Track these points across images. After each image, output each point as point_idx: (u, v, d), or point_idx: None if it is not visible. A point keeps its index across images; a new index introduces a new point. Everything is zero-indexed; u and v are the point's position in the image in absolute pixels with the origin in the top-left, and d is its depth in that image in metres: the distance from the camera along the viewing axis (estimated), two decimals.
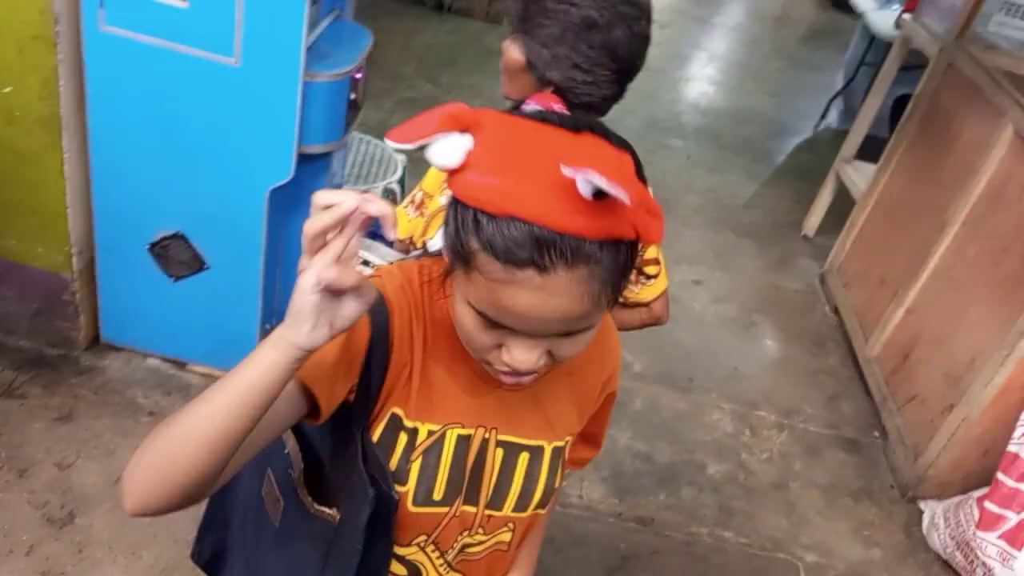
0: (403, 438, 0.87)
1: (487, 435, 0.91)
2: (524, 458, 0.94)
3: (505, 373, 0.81)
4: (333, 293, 0.68)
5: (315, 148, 2.15)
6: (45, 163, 2.12)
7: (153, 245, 2.29)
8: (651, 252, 1.40)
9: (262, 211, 2.19)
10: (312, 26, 2.06)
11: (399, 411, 0.86)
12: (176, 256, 2.30)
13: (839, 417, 3.06)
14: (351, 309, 0.70)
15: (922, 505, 2.67)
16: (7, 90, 2.02)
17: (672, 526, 2.45)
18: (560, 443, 0.97)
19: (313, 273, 0.66)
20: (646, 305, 1.44)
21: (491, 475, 0.92)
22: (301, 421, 0.80)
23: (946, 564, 2.51)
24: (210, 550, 1.08)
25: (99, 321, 2.44)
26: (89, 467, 2.14)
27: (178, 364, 2.47)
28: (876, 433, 2.99)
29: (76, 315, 2.37)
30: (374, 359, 0.82)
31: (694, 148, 4.82)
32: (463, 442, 0.89)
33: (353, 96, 2.18)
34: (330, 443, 0.89)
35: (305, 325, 0.67)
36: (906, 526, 2.65)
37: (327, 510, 0.89)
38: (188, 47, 1.97)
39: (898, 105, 4.18)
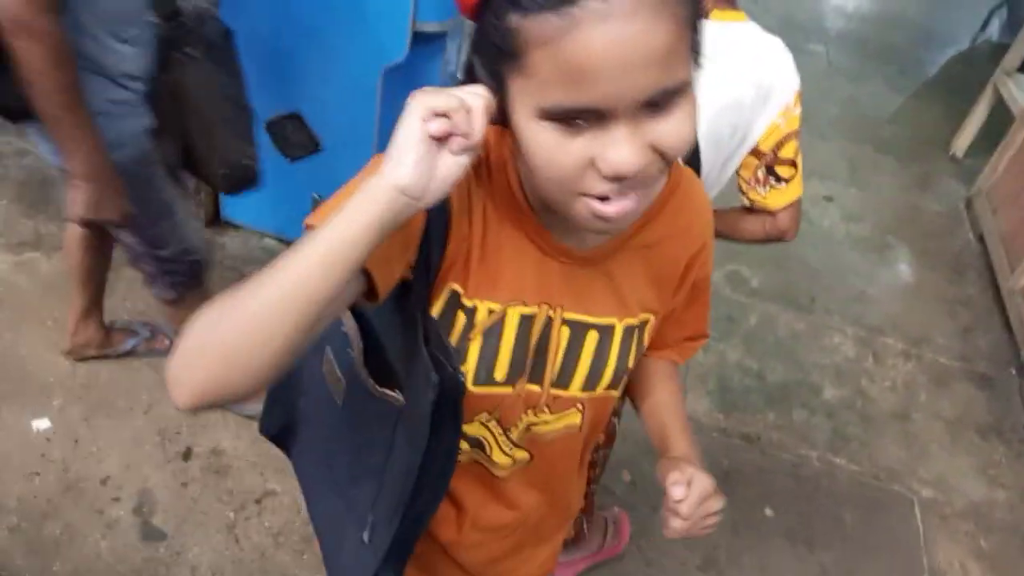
0: (461, 317, 0.80)
1: (552, 313, 0.82)
2: (593, 336, 0.85)
3: (606, 200, 0.67)
4: (440, 140, 0.61)
5: (430, 26, 2.06)
6: None
7: (271, 125, 2.28)
8: (787, 151, 1.27)
9: (376, 93, 2.14)
10: None
11: (458, 288, 0.79)
12: (292, 137, 2.30)
13: (973, 350, 2.84)
14: (454, 164, 0.62)
15: None
16: None
17: (780, 446, 2.35)
18: (634, 321, 0.87)
19: (426, 104, 0.60)
20: (772, 214, 1.31)
21: (556, 354, 0.84)
22: (357, 303, 0.72)
23: None
24: (278, 423, 1.05)
25: (218, 199, 2.49)
26: None
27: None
28: (1012, 370, 2.76)
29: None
30: (433, 233, 0.74)
31: (836, 54, 4.47)
32: (526, 321, 0.81)
33: None
34: (390, 323, 0.81)
35: (410, 159, 0.60)
36: None
37: (391, 392, 0.83)
38: None
39: None
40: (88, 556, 1.76)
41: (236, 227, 2.52)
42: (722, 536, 2.08)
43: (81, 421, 1.97)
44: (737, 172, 1.30)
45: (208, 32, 1.53)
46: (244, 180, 1.60)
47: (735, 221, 1.36)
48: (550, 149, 0.64)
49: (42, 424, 1.95)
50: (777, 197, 1.29)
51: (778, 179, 1.28)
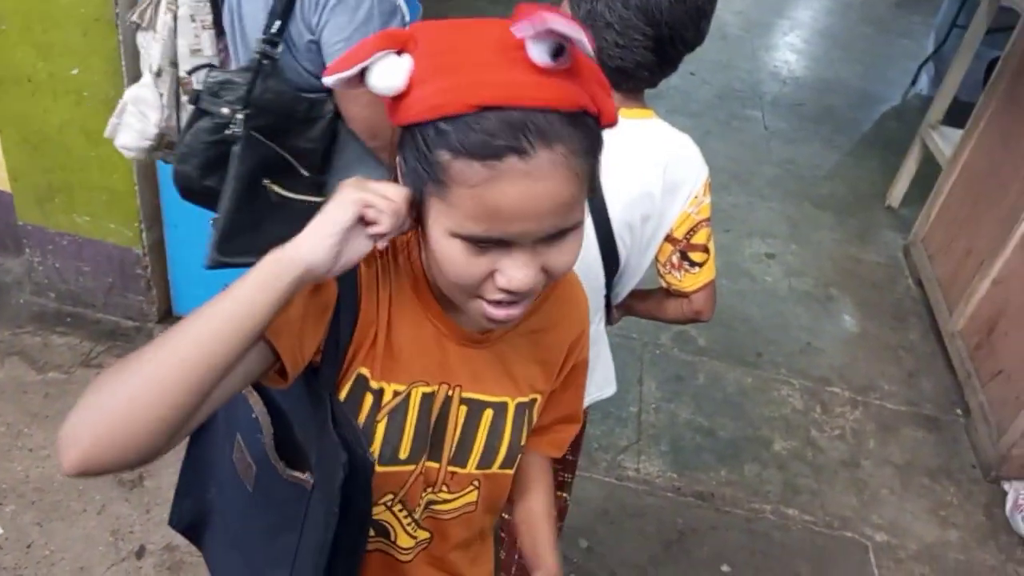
0: (369, 399, 0.84)
1: (451, 392, 0.89)
2: (488, 415, 0.92)
3: (497, 305, 0.76)
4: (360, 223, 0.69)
5: None
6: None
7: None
8: (700, 237, 1.33)
9: None
10: None
11: (365, 371, 0.84)
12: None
13: (918, 394, 2.91)
14: (362, 247, 0.71)
15: (1005, 486, 2.52)
16: (75, 72, 2.11)
17: (733, 502, 2.39)
18: (524, 399, 0.94)
19: (363, 192, 0.69)
20: (687, 296, 1.37)
21: (455, 431, 0.90)
22: (266, 382, 0.77)
23: None
24: (188, 516, 1.07)
25: (171, 294, 2.54)
26: None
27: None
28: (958, 411, 2.84)
29: (148, 289, 2.47)
30: (342, 317, 0.80)
31: (772, 119, 4.66)
32: (427, 400, 0.87)
33: None
34: (297, 404, 0.85)
35: (327, 244, 0.68)
36: (987, 507, 2.51)
37: (300, 475, 0.86)
38: None
39: (991, 69, 3.94)
40: None
41: None
42: None
43: (33, 525, 1.98)
44: (655, 258, 1.37)
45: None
46: None
47: (657, 303, 1.45)
48: (458, 262, 0.73)
49: None
50: (691, 280, 1.35)
51: (692, 264, 1.34)
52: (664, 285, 1.39)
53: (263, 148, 1.50)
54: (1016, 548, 2.39)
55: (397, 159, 0.76)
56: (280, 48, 1.48)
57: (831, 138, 4.58)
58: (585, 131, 0.70)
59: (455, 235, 0.72)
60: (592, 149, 0.72)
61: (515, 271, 0.73)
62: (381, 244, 0.73)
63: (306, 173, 1.55)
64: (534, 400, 0.96)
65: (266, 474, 0.90)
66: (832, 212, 3.88)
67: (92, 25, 2.04)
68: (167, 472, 2.14)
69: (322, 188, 1.57)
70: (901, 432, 2.75)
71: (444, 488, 0.92)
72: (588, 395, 1.49)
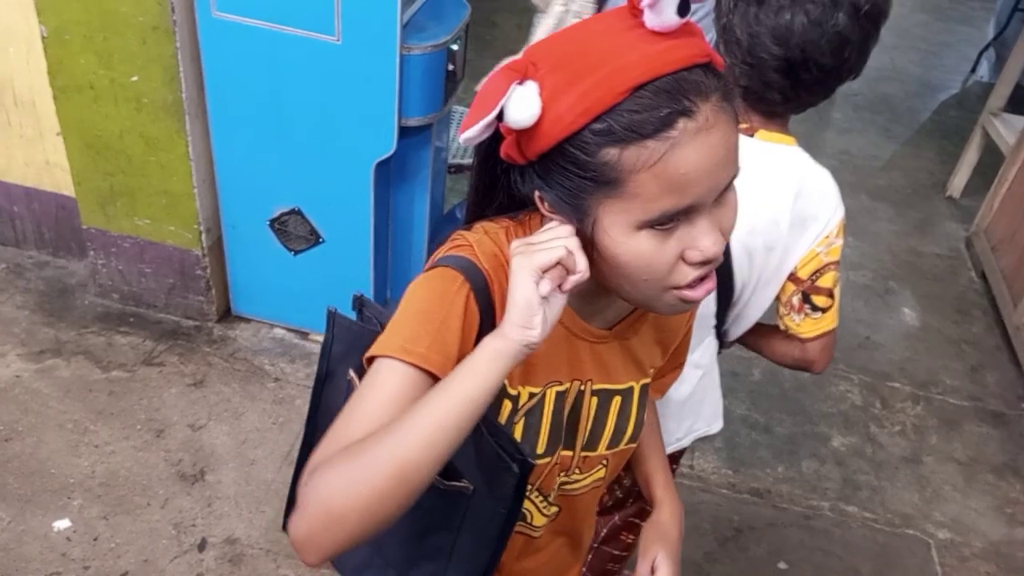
0: (508, 405, 0.87)
1: (583, 387, 0.92)
2: (616, 401, 0.95)
3: (692, 286, 0.75)
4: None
5: (415, 121, 2.19)
6: (172, 147, 2.27)
7: (273, 221, 2.41)
8: (826, 281, 1.26)
9: (369, 185, 2.26)
10: (410, 0, 2.10)
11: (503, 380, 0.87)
12: (295, 231, 2.42)
13: (982, 388, 2.83)
14: (560, 302, 0.73)
15: None
16: (134, 79, 2.17)
17: (790, 499, 2.35)
18: (647, 380, 0.99)
19: (533, 265, 0.70)
20: (803, 342, 1.29)
21: (587, 421, 0.94)
22: None
23: None
24: None
25: (229, 294, 2.60)
26: (219, 429, 2.29)
27: (301, 334, 2.60)
28: (1023, 405, 2.76)
29: (208, 289, 2.53)
30: (484, 333, 0.79)
31: (825, 109, 4.56)
32: (560, 397, 0.90)
33: (451, 67, 2.20)
34: None
35: (537, 320, 0.70)
36: None
37: (458, 483, 0.87)
38: (293, 28, 2.05)
39: None
40: None
41: (247, 320, 2.62)
42: None
43: (100, 519, 2.04)
44: (776, 297, 1.31)
45: None
46: None
47: (769, 339, 1.37)
48: (650, 255, 0.72)
49: (63, 524, 2.02)
50: (810, 326, 1.28)
51: (814, 308, 1.27)
52: (781, 327, 1.32)
53: None
54: None
55: (537, 197, 0.77)
56: None
57: (888, 128, 4.46)
58: (720, 76, 0.72)
59: (640, 227, 0.71)
60: (732, 94, 0.73)
61: (705, 239, 0.72)
62: (573, 289, 0.74)
63: None
64: (652, 376, 1.01)
65: None
66: (890, 204, 3.79)
67: (150, 33, 2.09)
68: (227, 468, 2.19)
69: None
70: (964, 427, 2.68)
71: (576, 471, 0.97)
72: (695, 430, 1.48)
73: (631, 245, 0.72)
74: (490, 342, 0.70)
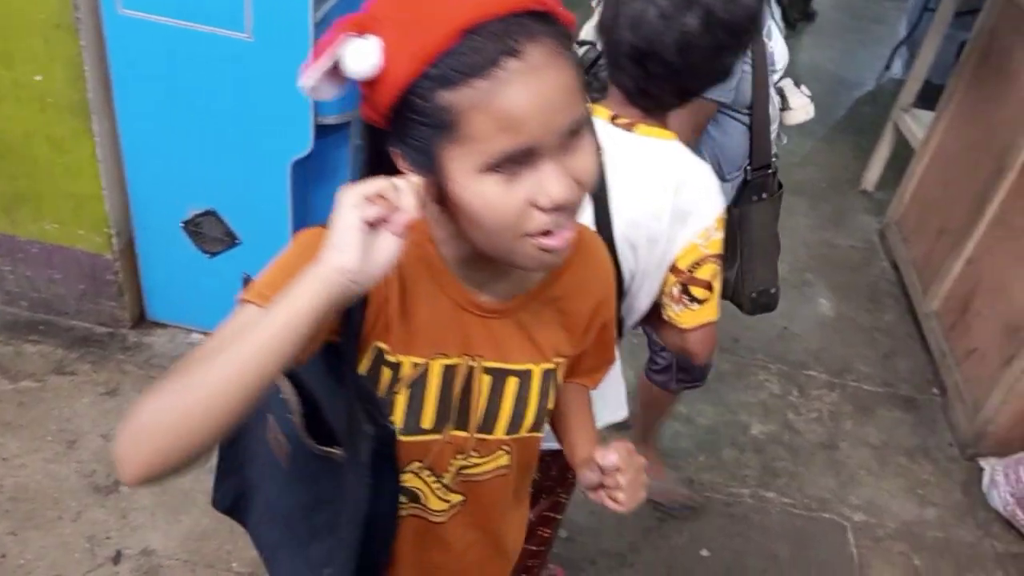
0: (387, 372, 0.87)
1: (473, 363, 0.91)
2: (513, 382, 0.94)
3: (547, 235, 0.76)
4: (374, 226, 0.68)
5: (333, 119, 2.17)
6: (78, 148, 2.20)
7: (187, 223, 2.35)
8: (704, 272, 1.27)
9: (286, 184, 2.22)
10: None
11: (383, 345, 0.87)
12: (210, 232, 2.37)
13: (895, 375, 2.94)
14: (391, 245, 0.69)
15: (982, 463, 2.54)
16: (37, 79, 2.10)
17: (711, 487, 2.40)
18: (549, 365, 0.97)
19: (356, 192, 0.68)
20: (682, 332, 1.31)
21: (479, 401, 0.93)
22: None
23: (1007, 523, 2.40)
24: (230, 496, 1.11)
25: (143, 299, 2.53)
26: None
27: None
28: (935, 390, 2.86)
29: (120, 294, 2.46)
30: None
31: None
32: (449, 372, 0.90)
33: None
34: (323, 383, 0.89)
35: (351, 244, 0.67)
36: (964, 485, 2.53)
37: (332, 450, 0.89)
38: (202, 25, 2.01)
39: (962, 51, 3.97)
40: None
41: (162, 325, 2.56)
42: None
43: (8, 535, 1.97)
44: (661, 287, 1.32)
45: (775, 183, 1.73)
46: (768, 306, 1.74)
47: (659, 327, 1.39)
48: (495, 199, 0.74)
49: None
50: (689, 317, 1.29)
51: (692, 299, 1.28)
52: (664, 316, 1.33)
53: None
54: (993, 524, 2.42)
55: (395, 156, 0.77)
56: None
57: (804, 124, 4.58)
58: (558, 27, 0.74)
59: (484, 168, 0.73)
60: (570, 44, 0.76)
61: (552, 184, 0.74)
62: (403, 233, 0.70)
63: None
64: (559, 364, 0.98)
65: (299, 451, 0.93)
66: (806, 198, 3.90)
67: (53, 31, 2.02)
68: None
69: None
70: (878, 413, 2.77)
71: (474, 453, 0.95)
72: (600, 418, 1.47)
73: (477, 190, 0.74)
74: (309, 269, 0.69)
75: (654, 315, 1.39)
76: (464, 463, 0.96)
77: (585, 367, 1.08)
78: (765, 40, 1.67)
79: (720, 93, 1.59)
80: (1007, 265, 2.65)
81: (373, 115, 0.77)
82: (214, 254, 2.41)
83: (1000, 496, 2.40)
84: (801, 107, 1.94)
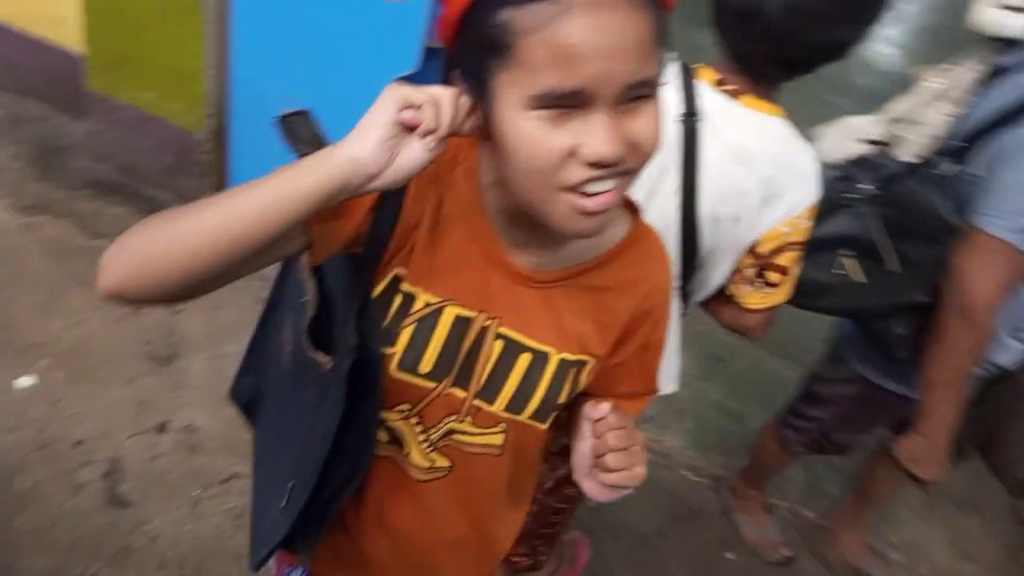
0: (397, 300, 0.83)
1: (488, 322, 0.85)
2: (525, 359, 0.87)
3: (587, 195, 0.71)
4: (408, 129, 0.67)
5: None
6: (186, 21, 2.18)
7: (282, 118, 2.33)
8: (784, 259, 1.22)
9: None
10: None
11: (401, 271, 0.83)
12: (300, 133, 2.33)
13: None
14: (418, 153, 0.68)
15: None
16: None
17: None
18: (571, 357, 0.88)
19: (401, 94, 0.67)
20: (745, 311, 1.27)
21: (485, 365, 0.86)
22: (298, 255, 0.79)
23: None
24: (248, 393, 1.07)
25: (226, 184, 2.54)
26: (196, 316, 2.26)
27: None
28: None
29: (206, 174, 2.47)
30: (384, 211, 0.80)
31: (858, 109, 4.48)
32: (461, 323, 0.84)
33: None
34: (342, 291, 0.85)
35: (371, 138, 0.67)
36: (1010, 547, 2.43)
37: (321, 357, 0.85)
38: None
39: None
40: (51, 515, 1.79)
41: None
42: (681, 574, 2.08)
43: (64, 384, 2.01)
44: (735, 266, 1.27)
45: None
46: None
47: (716, 301, 1.34)
48: (536, 139, 0.69)
49: (25, 382, 1.99)
50: (758, 298, 1.25)
51: (766, 283, 1.24)
52: (727, 292, 1.29)
53: (871, 225, 1.48)
54: None
55: (453, 78, 0.74)
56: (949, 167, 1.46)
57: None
58: None
59: (531, 103, 0.68)
60: None
61: (597, 137, 0.68)
62: (433, 146, 0.69)
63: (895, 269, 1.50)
64: (583, 362, 0.90)
65: (299, 355, 0.90)
66: None
67: None
68: (198, 357, 2.16)
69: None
70: None
71: (468, 419, 0.89)
72: None
73: (520, 125, 0.69)
74: (329, 148, 0.69)
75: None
76: (456, 426, 0.89)
77: (623, 390, 0.98)
78: None
79: None
80: None
81: (444, 33, 0.73)
82: (301, 155, 2.38)
83: None
84: None
